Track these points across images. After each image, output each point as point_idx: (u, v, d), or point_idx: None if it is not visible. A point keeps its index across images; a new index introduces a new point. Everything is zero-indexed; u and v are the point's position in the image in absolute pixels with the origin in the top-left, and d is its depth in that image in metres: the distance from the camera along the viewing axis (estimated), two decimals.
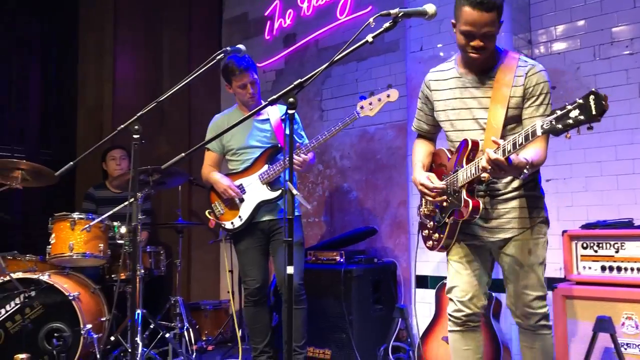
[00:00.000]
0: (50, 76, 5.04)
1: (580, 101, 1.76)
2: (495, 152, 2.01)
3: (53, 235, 3.65)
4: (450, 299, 2.48)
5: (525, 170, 2.05)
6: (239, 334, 4.03)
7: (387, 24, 2.01)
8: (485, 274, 2.47)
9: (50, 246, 3.64)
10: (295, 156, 3.21)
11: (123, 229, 3.81)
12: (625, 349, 2.68)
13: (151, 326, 3.85)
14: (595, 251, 2.95)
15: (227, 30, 5.77)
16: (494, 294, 3.26)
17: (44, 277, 3.49)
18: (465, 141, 2.28)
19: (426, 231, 2.55)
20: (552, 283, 3.16)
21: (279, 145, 3.47)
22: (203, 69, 2.48)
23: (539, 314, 2.34)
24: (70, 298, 3.46)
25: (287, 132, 1.99)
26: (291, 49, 5.11)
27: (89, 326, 3.47)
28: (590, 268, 2.96)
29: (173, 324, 4.06)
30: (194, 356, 4.00)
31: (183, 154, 2.22)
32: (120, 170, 4.47)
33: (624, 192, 3.44)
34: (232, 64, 3.37)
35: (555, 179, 3.70)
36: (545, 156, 2.23)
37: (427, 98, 2.55)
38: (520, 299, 2.34)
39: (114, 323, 3.75)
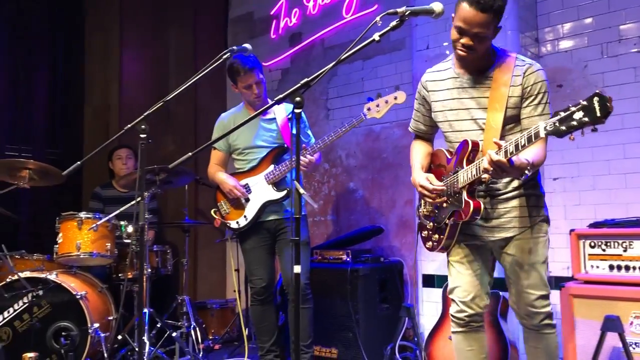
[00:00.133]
0: (57, 76, 5.06)
1: (585, 103, 1.75)
2: (497, 154, 2.00)
3: (60, 235, 3.66)
4: (452, 300, 2.47)
5: (526, 172, 2.04)
6: (245, 333, 4.04)
7: (394, 23, 2.01)
8: (486, 273, 2.46)
9: (57, 245, 3.66)
10: (301, 157, 3.21)
11: (130, 228, 3.83)
12: (634, 348, 2.67)
13: (158, 325, 3.86)
14: (603, 250, 2.93)
15: (233, 29, 5.78)
16: (501, 293, 3.25)
17: (52, 276, 3.51)
18: (465, 142, 2.27)
19: (425, 232, 2.53)
20: (559, 282, 3.15)
21: (285, 145, 3.46)
22: (209, 69, 2.48)
23: (542, 313, 2.32)
24: (78, 297, 3.47)
25: (294, 131, 1.98)
26: (297, 48, 5.11)
27: (96, 325, 3.48)
28: (598, 267, 2.94)
29: (180, 323, 4.07)
30: (200, 355, 4.01)
31: (190, 154, 2.22)
32: (127, 169, 4.49)
33: (633, 190, 3.42)
34: (237, 64, 3.36)
35: (563, 178, 3.68)
36: (545, 156, 2.22)
37: (424, 99, 2.54)
38: (523, 299, 2.33)
39: (121, 322, 3.76)
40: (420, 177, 2.41)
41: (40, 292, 3.44)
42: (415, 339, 3.68)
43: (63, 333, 3.43)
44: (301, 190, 1.97)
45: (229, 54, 2.52)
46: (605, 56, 3.56)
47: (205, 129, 4.43)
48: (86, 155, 2.64)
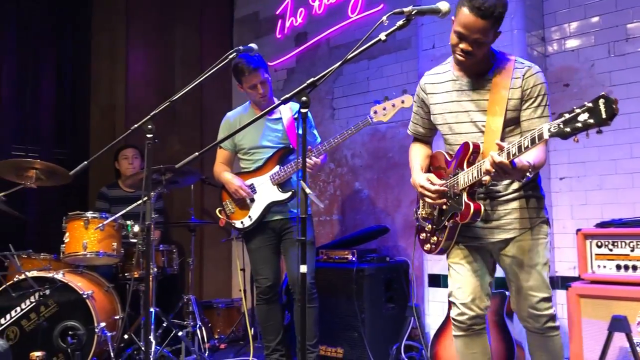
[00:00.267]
0: (64, 76, 5.08)
1: (590, 105, 1.74)
2: (499, 155, 1.99)
3: (67, 234, 3.68)
4: (452, 303, 2.44)
5: (527, 174, 2.04)
6: (250, 332, 4.04)
7: (400, 22, 2.01)
8: (487, 274, 2.44)
9: (64, 245, 3.67)
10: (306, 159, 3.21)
11: (136, 228, 3.84)
12: None
13: (164, 324, 3.87)
14: (610, 250, 2.92)
15: (239, 29, 5.78)
16: (506, 293, 3.24)
17: (59, 276, 3.52)
18: (465, 144, 2.26)
19: (424, 234, 2.52)
20: (566, 282, 3.15)
21: (291, 146, 3.47)
22: (215, 69, 2.48)
23: (545, 315, 2.31)
24: (85, 296, 3.48)
25: (300, 131, 1.98)
26: (302, 47, 5.11)
27: (102, 324, 3.49)
28: (605, 267, 2.93)
29: (186, 322, 4.08)
30: (206, 354, 4.02)
31: (196, 154, 2.22)
32: (133, 169, 4.50)
33: None
34: (242, 64, 3.36)
35: (569, 177, 3.67)
36: (545, 159, 2.22)
37: (423, 101, 2.53)
38: (526, 301, 2.31)
39: (127, 321, 3.78)
40: (421, 178, 2.40)
41: (47, 292, 3.45)
42: (421, 338, 3.68)
43: (70, 332, 3.44)
44: (307, 190, 1.97)
45: (234, 53, 2.52)
46: (612, 55, 3.55)
47: (211, 128, 4.45)
48: (93, 155, 2.65)
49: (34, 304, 3.47)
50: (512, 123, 2.28)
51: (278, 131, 3.50)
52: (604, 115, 1.70)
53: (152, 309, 3.57)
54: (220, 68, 2.49)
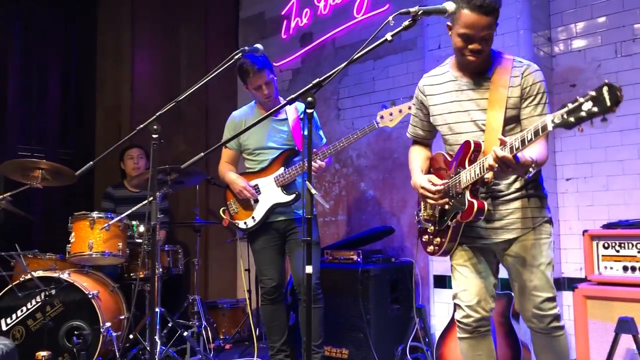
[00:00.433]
0: (70, 77, 5.10)
1: (593, 93, 1.72)
2: (502, 150, 1.98)
3: (73, 234, 3.69)
4: (458, 305, 2.43)
5: (530, 169, 2.02)
6: (255, 333, 4.04)
7: (406, 22, 2.00)
8: (491, 275, 2.42)
9: (70, 245, 3.69)
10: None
11: (142, 228, 3.85)
12: None
13: (169, 324, 3.88)
14: (617, 251, 2.91)
15: (244, 29, 5.79)
16: (512, 294, 3.22)
17: (64, 276, 3.53)
18: (467, 142, 2.25)
19: (426, 236, 2.50)
20: (572, 283, 3.13)
21: (296, 148, 3.46)
22: (221, 69, 2.48)
23: (550, 315, 2.29)
24: (90, 296, 3.49)
25: (306, 132, 1.98)
26: (308, 48, 5.11)
27: (108, 324, 3.50)
28: (612, 268, 2.92)
29: (191, 323, 4.08)
30: (211, 355, 4.02)
31: (202, 154, 2.22)
32: (138, 169, 4.51)
33: None
34: (247, 65, 3.35)
35: (576, 178, 3.66)
36: (547, 155, 2.20)
37: (421, 103, 2.53)
38: (530, 301, 2.30)
39: (132, 321, 3.78)
40: (422, 179, 2.39)
41: (53, 291, 3.47)
42: (427, 339, 3.67)
43: (75, 332, 3.45)
44: (313, 191, 1.96)
45: (240, 54, 2.52)
46: (619, 55, 3.53)
47: (216, 128, 4.45)
48: (98, 155, 2.65)
49: (39, 303, 3.48)
50: (512, 121, 2.28)
51: (283, 132, 3.50)
52: (608, 103, 1.68)
53: (157, 309, 3.57)
54: (226, 68, 2.49)
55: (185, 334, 3.82)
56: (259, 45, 2.61)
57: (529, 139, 1.92)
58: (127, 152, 4.58)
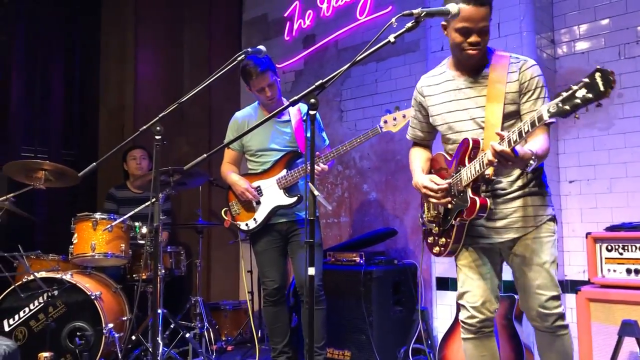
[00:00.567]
0: (73, 78, 5.11)
1: (587, 80, 1.75)
2: (500, 144, 1.98)
3: (75, 235, 3.69)
4: (462, 305, 2.43)
5: (531, 162, 2.01)
6: (256, 335, 4.04)
7: (409, 24, 2.00)
8: (495, 276, 2.43)
9: (72, 246, 3.69)
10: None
11: (144, 229, 3.85)
12: None
13: (171, 326, 3.88)
14: (621, 254, 2.90)
15: (247, 31, 5.79)
16: (515, 296, 3.22)
17: (67, 277, 3.53)
18: (465, 140, 2.25)
19: (431, 238, 2.50)
20: (575, 286, 3.13)
21: (299, 150, 3.46)
22: (224, 70, 2.49)
23: (554, 314, 2.28)
24: (93, 297, 3.49)
25: (309, 134, 1.98)
26: (311, 49, 5.11)
27: (110, 325, 3.50)
28: (615, 271, 2.91)
29: (193, 324, 4.08)
30: (213, 356, 4.02)
31: (205, 155, 2.22)
32: (141, 169, 4.51)
33: None
34: (250, 67, 3.34)
35: (579, 180, 3.65)
36: (549, 148, 2.20)
37: (420, 105, 2.54)
38: (534, 300, 2.29)
39: (135, 322, 3.79)
40: (423, 179, 2.39)
41: (56, 292, 3.46)
42: (429, 341, 3.66)
43: (78, 333, 3.45)
44: (315, 192, 1.96)
45: (243, 55, 2.52)
46: (622, 57, 3.53)
47: (219, 130, 4.45)
48: (101, 156, 2.66)
49: (42, 304, 3.48)
50: (511, 117, 2.28)
51: (286, 134, 3.50)
52: (602, 88, 1.71)
53: (159, 311, 3.57)
54: (229, 69, 2.49)
55: (187, 335, 3.82)
56: (262, 47, 2.61)
57: (525, 130, 1.94)
58: (130, 153, 4.58)
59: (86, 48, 5.18)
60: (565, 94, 1.79)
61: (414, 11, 2.00)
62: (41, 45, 4.88)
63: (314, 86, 2.00)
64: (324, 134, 3.64)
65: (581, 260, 3.51)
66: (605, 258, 2.95)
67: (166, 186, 3.63)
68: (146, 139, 2.58)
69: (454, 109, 2.38)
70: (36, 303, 3.50)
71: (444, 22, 2.28)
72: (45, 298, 3.47)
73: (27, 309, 3.49)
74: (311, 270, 1.94)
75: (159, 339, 3.48)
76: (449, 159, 2.40)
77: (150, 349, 3.43)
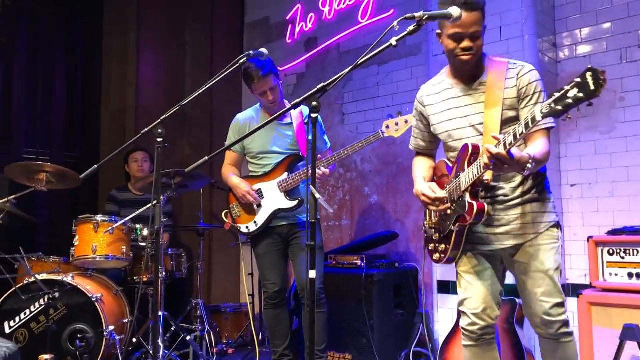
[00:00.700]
0: (75, 79, 5.12)
1: (578, 80, 1.76)
2: (496, 147, 1.97)
3: (77, 237, 3.69)
4: (463, 312, 2.41)
5: (528, 165, 2.01)
6: (257, 338, 4.03)
7: (411, 27, 2.00)
8: (497, 282, 2.41)
9: (74, 248, 3.69)
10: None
11: (145, 232, 3.85)
12: None
13: (172, 328, 3.88)
14: (622, 258, 2.89)
15: (249, 34, 5.80)
16: (517, 300, 3.22)
17: (68, 279, 3.53)
18: (465, 146, 2.25)
19: (432, 244, 2.50)
20: (577, 290, 3.12)
21: (300, 154, 3.46)
22: (226, 73, 2.49)
23: (559, 321, 2.26)
24: (94, 300, 3.49)
25: (310, 137, 1.98)
26: (312, 52, 5.11)
27: (111, 328, 3.50)
28: (617, 275, 2.90)
29: (194, 327, 4.08)
30: (214, 359, 4.02)
31: (206, 158, 2.22)
32: (142, 172, 4.51)
33: None
34: (252, 70, 3.33)
35: (581, 184, 3.64)
36: (549, 152, 2.19)
37: (421, 114, 2.54)
38: (539, 307, 2.27)
39: (136, 325, 3.78)
40: (423, 187, 2.39)
41: (57, 294, 3.47)
42: (430, 345, 3.65)
43: (79, 335, 3.45)
44: (317, 195, 1.96)
45: (245, 58, 2.52)
46: (624, 61, 3.52)
47: (220, 132, 4.45)
48: (103, 158, 2.66)
49: (43, 306, 3.48)
50: (509, 122, 2.27)
51: (288, 137, 3.50)
52: (592, 87, 1.72)
53: (160, 313, 3.57)
54: (231, 72, 2.49)
55: (188, 338, 3.82)
56: (264, 50, 2.61)
57: (520, 132, 1.93)
58: (131, 155, 4.59)
59: (88, 49, 5.19)
60: (557, 95, 1.81)
61: (416, 14, 2.00)
62: (43, 46, 4.89)
63: (315, 89, 2.00)
64: (325, 137, 3.64)
65: (583, 264, 3.51)
66: (607, 262, 2.95)
67: (167, 188, 3.63)
68: (148, 141, 2.58)
69: (453, 117, 2.38)
70: (37, 305, 3.49)
71: (438, 31, 2.28)
72: (46, 300, 3.47)
73: (28, 311, 3.49)
74: (312, 273, 1.94)
75: (159, 341, 3.47)
76: (450, 165, 2.40)
77: (151, 352, 3.43)
